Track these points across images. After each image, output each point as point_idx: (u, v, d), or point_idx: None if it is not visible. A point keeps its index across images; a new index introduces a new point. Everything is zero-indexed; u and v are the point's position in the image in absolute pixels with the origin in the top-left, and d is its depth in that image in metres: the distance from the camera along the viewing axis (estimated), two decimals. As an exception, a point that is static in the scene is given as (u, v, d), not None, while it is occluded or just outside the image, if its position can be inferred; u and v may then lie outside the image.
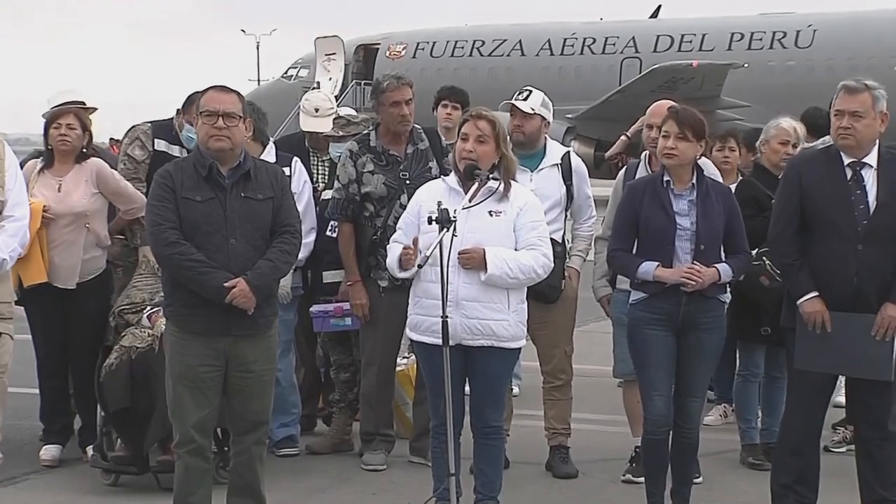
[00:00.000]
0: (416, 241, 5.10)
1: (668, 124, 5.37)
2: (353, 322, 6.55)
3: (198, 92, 6.25)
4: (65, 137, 6.42)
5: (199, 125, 5.07)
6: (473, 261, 5.07)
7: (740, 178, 6.99)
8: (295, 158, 6.73)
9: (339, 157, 6.66)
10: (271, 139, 6.86)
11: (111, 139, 21.34)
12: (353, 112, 7.33)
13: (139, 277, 6.35)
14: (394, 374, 6.71)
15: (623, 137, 8.64)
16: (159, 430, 5.81)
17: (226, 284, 4.89)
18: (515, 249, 5.16)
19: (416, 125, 6.57)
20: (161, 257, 5.06)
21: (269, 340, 5.12)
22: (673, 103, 5.76)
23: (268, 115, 6.94)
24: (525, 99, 6.36)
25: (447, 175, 5.41)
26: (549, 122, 6.41)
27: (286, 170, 6.35)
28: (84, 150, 6.48)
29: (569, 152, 6.49)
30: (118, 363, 5.98)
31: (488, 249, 5.08)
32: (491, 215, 5.16)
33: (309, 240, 6.47)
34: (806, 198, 5.23)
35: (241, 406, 5.09)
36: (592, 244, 6.47)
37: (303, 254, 6.49)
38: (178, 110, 6.72)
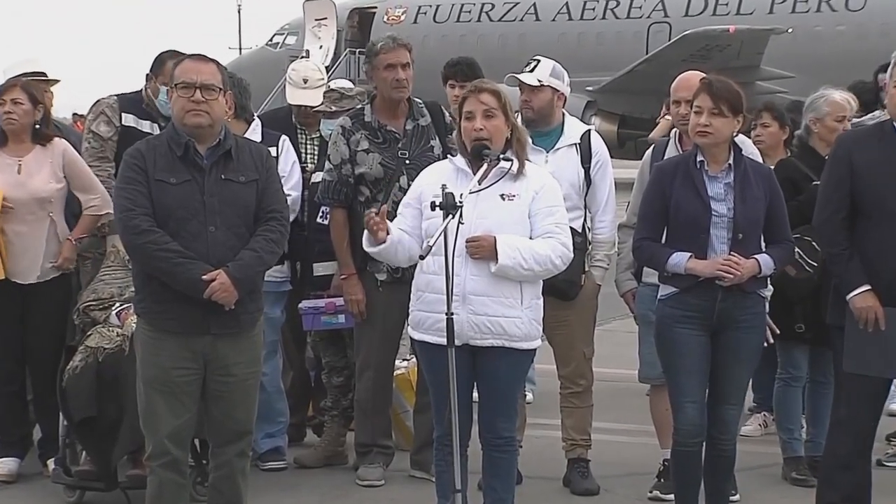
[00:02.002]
0: (383, 211, 5.09)
1: (700, 98, 5.37)
2: (346, 320, 6.56)
3: (169, 51, 6.25)
4: (10, 115, 6.42)
5: (173, 99, 5.07)
6: (483, 250, 5.06)
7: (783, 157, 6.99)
8: (283, 137, 6.74)
9: (331, 134, 6.66)
10: (256, 115, 6.86)
11: (74, 114, 21.36)
12: (347, 84, 7.31)
13: (107, 270, 6.36)
14: (392, 378, 6.73)
15: (668, 117, 8.61)
16: (129, 442, 5.82)
17: (204, 277, 4.90)
18: (530, 238, 5.16)
19: (416, 98, 6.56)
20: (131, 246, 5.07)
21: (252, 340, 5.13)
22: (702, 74, 5.75)
23: (251, 87, 6.93)
24: (532, 70, 6.34)
25: (452, 154, 5.41)
26: (563, 95, 6.40)
27: (273, 149, 6.36)
28: (37, 127, 6.49)
29: (589, 131, 6.48)
30: (83, 366, 6.00)
31: (499, 237, 5.08)
32: (503, 199, 5.14)
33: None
34: (857, 179, 5.24)
35: (221, 414, 5.10)
36: (616, 237, 6.46)
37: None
38: (147, 76, 6.72)
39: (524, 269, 5.09)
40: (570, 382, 6.48)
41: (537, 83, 6.28)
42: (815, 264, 6.25)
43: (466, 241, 5.02)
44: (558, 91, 6.37)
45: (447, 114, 6.72)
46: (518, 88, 6.36)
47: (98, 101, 6.86)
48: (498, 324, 5.10)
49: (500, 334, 5.11)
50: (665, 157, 6.04)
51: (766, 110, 7.29)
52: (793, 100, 8.37)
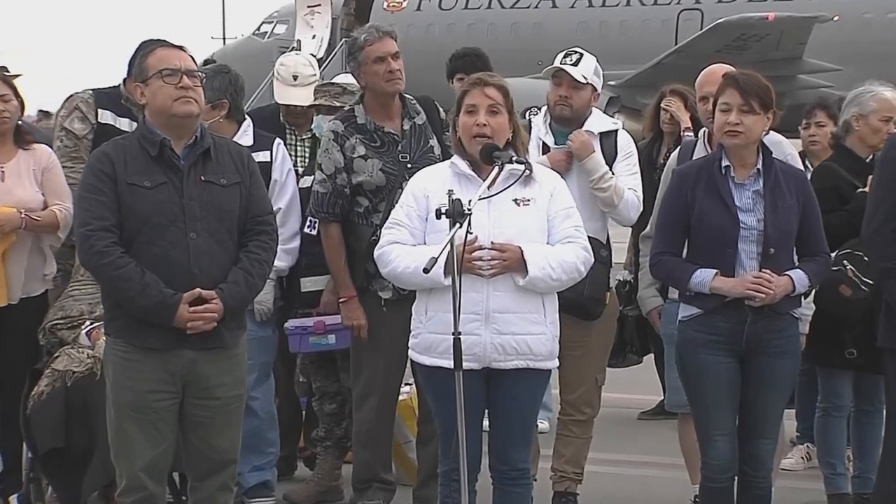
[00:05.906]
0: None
1: (727, 94, 5.35)
2: (338, 340, 6.50)
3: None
4: (3, 114, 6.42)
5: (154, 89, 5.01)
6: (511, 262, 5.07)
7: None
8: (277, 141, 6.68)
9: (325, 133, 6.63)
10: (247, 116, 6.84)
11: (39, 111, 21.39)
12: (350, 80, 7.27)
13: (76, 285, 6.35)
14: (395, 405, 6.70)
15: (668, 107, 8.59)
16: (101, 476, 5.84)
17: (186, 295, 4.87)
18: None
19: (407, 95, 6.55)
20: (87, 267, 5.07)
21: (235, 359, 5.12)
22: (729, 67, 5.75)
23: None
24: (575, 64, 6.28)
25: (451, 153, 5.37)
26: (598, 94, 6.38)
27: (265, 154, 6.34)
28: (20, 125, 6.50)
29: (617, 130, 6.43)
30: (50, 391, 6.01)
31: (525, 247, 5.08)
32: (518, 204, 5.15)
33: (293, 245, 6.46)
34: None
35: (201, 442, 5.10)
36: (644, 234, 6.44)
37: (286, 262, 6.46)
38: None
39: (553, 279, 5.10)
40: (574, 409, 6.45)
41: (583, 80, 6.24)
42: (870, 282, 6.17)
43: (491, 251, 5.02)
44: (596, 90, 6.35)
45: (441, 109, 6.68)
46: (553, 80, 6.30)
47: (71, 95, 6.78)
48: (524, 342, 5.10)
49: (525, 354, 5.11)
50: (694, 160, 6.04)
51: (821, 108, 7.23)
52: (840, 96, 8.33)
